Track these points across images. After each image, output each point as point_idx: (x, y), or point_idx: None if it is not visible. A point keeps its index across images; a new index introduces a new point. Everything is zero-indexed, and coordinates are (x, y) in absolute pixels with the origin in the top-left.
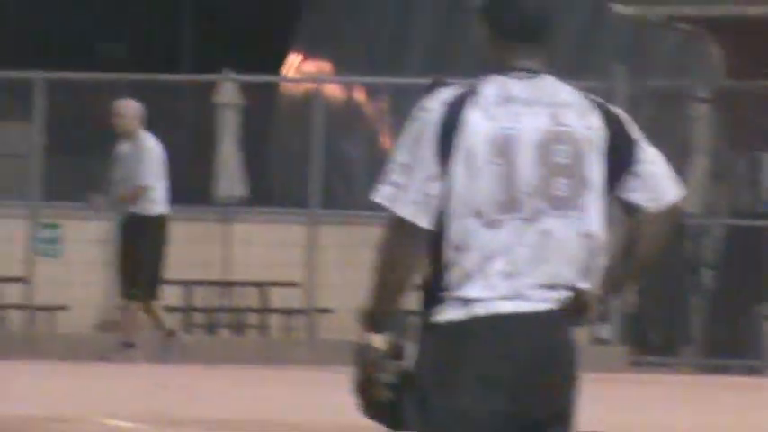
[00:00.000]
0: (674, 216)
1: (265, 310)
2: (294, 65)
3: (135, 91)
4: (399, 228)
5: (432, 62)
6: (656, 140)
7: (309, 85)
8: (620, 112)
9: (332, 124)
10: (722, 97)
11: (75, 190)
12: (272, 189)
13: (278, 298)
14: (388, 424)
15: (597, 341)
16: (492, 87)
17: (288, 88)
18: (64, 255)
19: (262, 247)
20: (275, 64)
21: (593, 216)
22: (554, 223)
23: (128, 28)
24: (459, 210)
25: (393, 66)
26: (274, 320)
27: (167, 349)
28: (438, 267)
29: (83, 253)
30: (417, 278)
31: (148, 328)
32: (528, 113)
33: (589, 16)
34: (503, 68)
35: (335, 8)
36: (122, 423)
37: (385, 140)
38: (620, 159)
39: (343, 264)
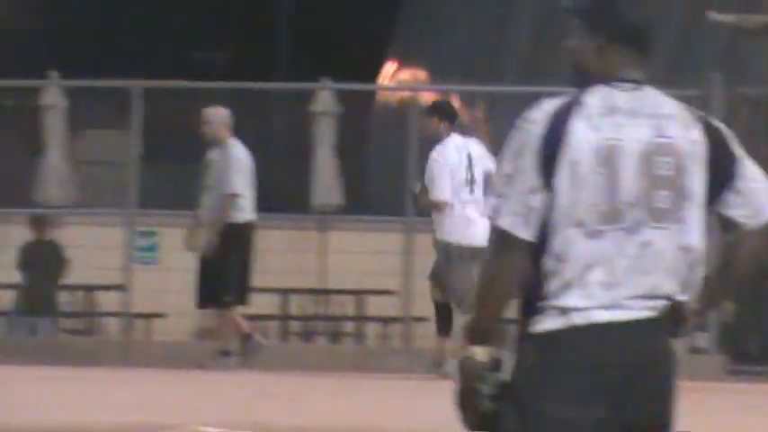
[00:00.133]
0: None
1: (361, 318)
2: (390, 73)
3: (232, 99)
4: (501, 239)
5: (527, 70)
6: (752, 148)
7: (405, 94)
8: (721, 126)
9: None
10: None
11: (172, 198)
12: (368, 197)
13: (374, 306)
14: None
15: (694, 350)
16: (596, 98)
17: (384, 96)
18: (161, 262)
19: (358, 255)
20: (372, 72)
21: (694, 229)
22: (654, 235)
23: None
24: (561, 220)
25: (489, 74)
26: (370, 329)
27: (252, 354)
28: (537, 277)
29: (179, 260)
30: (518, 289)
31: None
32: (631, 125)
33: (685, 24)
34: (607, 79)
35: (432, 16)
36: (219, 431)
37: None
38: (720, 174)
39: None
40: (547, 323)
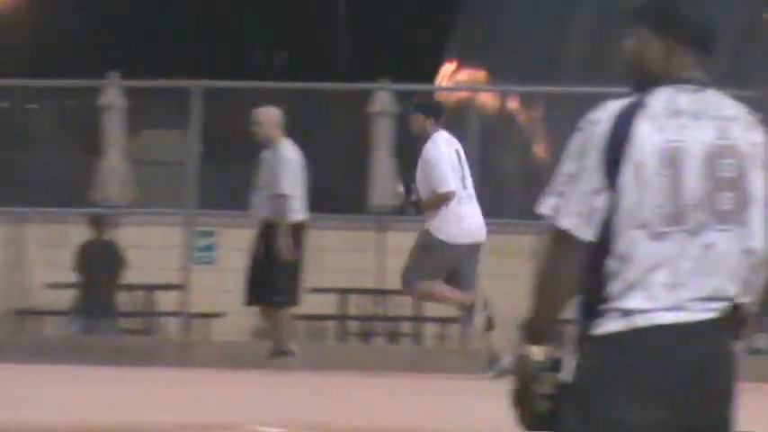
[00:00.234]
0: None
1: (419, 318)
2: (449, 73)
3: (290, 99)
4: (562, 239)
5: (586, 71)
6: None
7: (464, 94)
8: None
9: (486, 133)
10: None
11: (230, 198)
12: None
13: (432, 307)
14: None
15: (754, 352)
16: (660, 99)
17: (442, 97)
18: (219, 262)
19: None
20: (430, 73)
21: (756, 231)
22: (717, 237)
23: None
24: (625, 221)
25: (547, 74)
26: (428, 329)
27: (277, 357)
28: (598, 278)
29: (238, 260)
30: (577, 289)
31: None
32: (695, 126)
33: (744, 25)
34: (670, 80)
35: (490, 17)
36: (277, 431)
37: (539, 150)
38: None
39: (495, 272)
40: (609, 325)
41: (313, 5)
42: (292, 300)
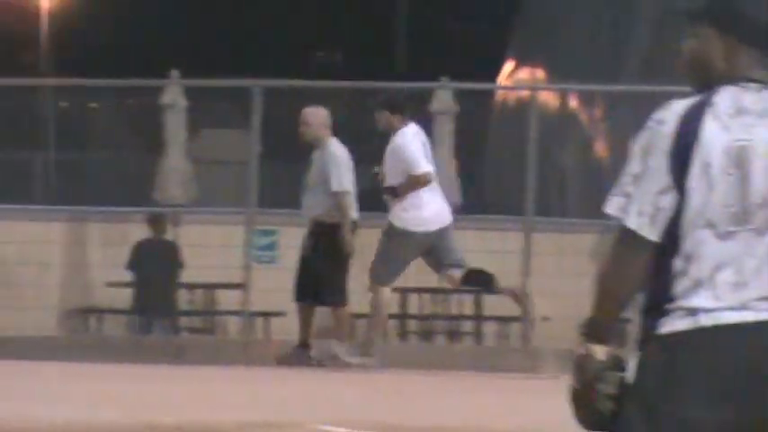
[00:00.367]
0: None
1: (480, 317)
2: (509, 72)
3: (350, 99)
4: (628, 239)
5: (646, 70)
6: None
7: (524, 93)
8: None
9: (546, 132)
10: None
11: (290, 196)
12: (486, 196)
13: (492, 305)
14: None
15: None
16: (725, 98)
17: (502, 96)
18: (280, 261)
19: (476, 255)
20: (490, 72)
21: None
22: None
23: (345, 37)
24: (692, 221)
25: (607, 73)
26: (489, 328)
27: (297, 360)
28: (663, 278)
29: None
30: (640, 289)
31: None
32: (760, 125)
33: None
34: (733, 79)
35: (550, 16)
36: (339, 429)
37: (599, 149)
38: None
39: (557, 271)
40: (673, 324)
41: (373, 5)
42: (341, 299)
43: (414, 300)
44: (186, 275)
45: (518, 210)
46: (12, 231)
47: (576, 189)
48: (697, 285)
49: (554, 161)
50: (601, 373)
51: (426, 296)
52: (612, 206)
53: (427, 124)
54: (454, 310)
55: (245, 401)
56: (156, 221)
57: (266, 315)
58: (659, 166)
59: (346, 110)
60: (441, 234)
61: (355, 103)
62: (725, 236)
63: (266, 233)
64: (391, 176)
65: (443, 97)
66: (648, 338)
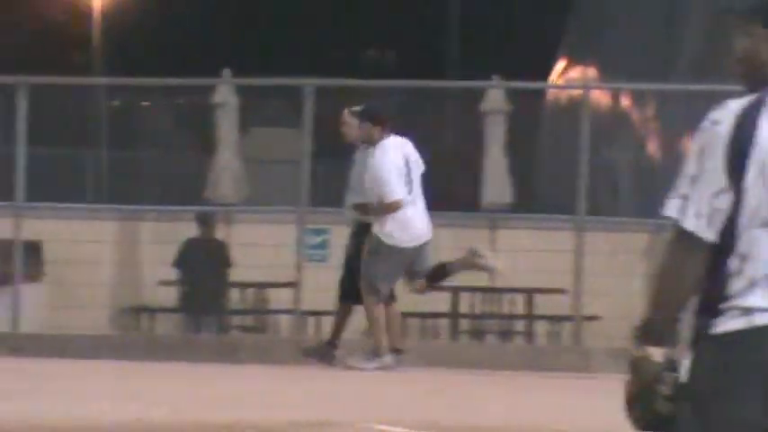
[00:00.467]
0: None
1: (531, 316)
2: (560, 71)
3: (402, 98)
4: (685, 240)
5: (697, 68)
6: None
7: (575, 92)
8: None
9: (598, 131)
10: None
11: (342, 196)
12: (537, 195)
13: (544, 304)
14: None
15: None
16: None
17: (554, 95)
18: (331, 259)
19: (528, 254)
20: (542, 70)
21: None
22: None
23: (397, 35)
24: (748, 220)
25: (659, 72)
26: (540, 327)
27: (320, 357)
28: (717, 277)
29: None
30: (696, 290)
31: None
32: None
33: None
34: None
35: (602, 14)
36: (392, 428)
37: (651, 148)
38: None
39: (608, 271)
40: (728, 324)
41: (426, 4)
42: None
43: (465, 299)
44: (238, 274)
45: (570, 209)
46: (64, 230)
47: (627, 188)
48: (752, 285)
49: (605, 160)
50: (659, 375)
51: (478, 295)
52: (670, 208)
53: (478, 123)
54: (506, 310)
55: (296, 400)
56: (204, 220)
57: (317, 314)
58: (715, 168)
59: (400, 109)
60: (423, 247)
61: (408, 101)
62: None
63: (317, 232)
64: (363, 191)
65: (495, 96)
66: (702, 338)
